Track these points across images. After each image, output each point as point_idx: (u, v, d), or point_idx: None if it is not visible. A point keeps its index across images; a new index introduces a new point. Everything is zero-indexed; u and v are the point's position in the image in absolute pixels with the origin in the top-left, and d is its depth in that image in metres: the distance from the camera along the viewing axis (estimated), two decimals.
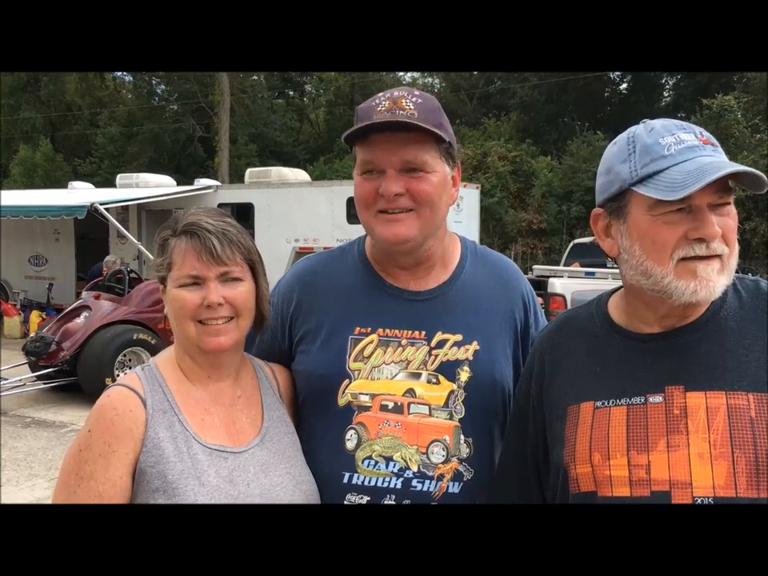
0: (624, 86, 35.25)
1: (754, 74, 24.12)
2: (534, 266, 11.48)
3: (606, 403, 1.39)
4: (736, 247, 1.35)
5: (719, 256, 1.32)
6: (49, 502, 1.56)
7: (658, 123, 1.38)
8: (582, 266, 11.34)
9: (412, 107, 1.60)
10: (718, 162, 1.30)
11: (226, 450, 1.53)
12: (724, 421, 1.29)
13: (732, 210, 1.34)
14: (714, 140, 1.36)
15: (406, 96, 1.62)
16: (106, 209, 12.74)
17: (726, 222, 1.32)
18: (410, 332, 1.67)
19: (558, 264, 13.95)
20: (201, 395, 1.58)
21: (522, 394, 1.60)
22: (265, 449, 1.58)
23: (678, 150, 1.32)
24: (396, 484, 1.60)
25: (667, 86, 34.58)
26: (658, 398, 1.35)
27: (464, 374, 1.65)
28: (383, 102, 1.61)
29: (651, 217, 1.33)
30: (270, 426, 1.62)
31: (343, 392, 1.65)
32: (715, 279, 1.32)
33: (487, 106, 34.48)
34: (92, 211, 12.43)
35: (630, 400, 1.37)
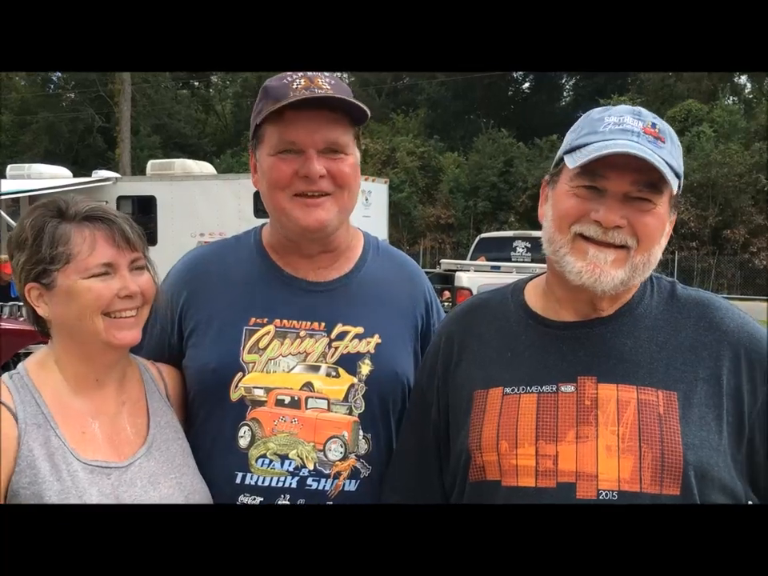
0: (527, 84, 36.34)
1: (647, 77, 25.30)
2: (442, 260, 11.66)
3: (515, 390, 1.37)
4: (655, 249, 1.33)
5: (622, 248, 1.31)
6: None
7: (622, 106, 1.39)
8: (487, 259, 11.57)
9: (329, 87, 1.53)
10: (631, 146, 1.27)
11: (109, 465, 1.42)
12: (634, 415, 1.30)
13: (659, 211, 1.32)
14: (666, 135, 1.33)
15: (321, 76, 1.55)
16: None
17: (642, 218, 1.31)
18: (308, 323, 1.60)
19: (465, 258, 14.19)
20: (81, 405, 1.46)
21: (425, 375, 1.55)
22: (152, 459, 1.48)
23: (611, 129, 1.32)
24: (291, 483, 1.53)
25: (567, 87, 35.92)
26: (570, 388, 1.34)
27: (365, 368, 1.60)
28: (298, 80, 1.53)
29: (569, 187, 1.35)
30: (156, 434, 1.52)
31: (236, 386, 1.57)
32: (606, 269, 1.31)
33: (396, 102, 34.79)
34: None
35: (541, 388, 1.36)
